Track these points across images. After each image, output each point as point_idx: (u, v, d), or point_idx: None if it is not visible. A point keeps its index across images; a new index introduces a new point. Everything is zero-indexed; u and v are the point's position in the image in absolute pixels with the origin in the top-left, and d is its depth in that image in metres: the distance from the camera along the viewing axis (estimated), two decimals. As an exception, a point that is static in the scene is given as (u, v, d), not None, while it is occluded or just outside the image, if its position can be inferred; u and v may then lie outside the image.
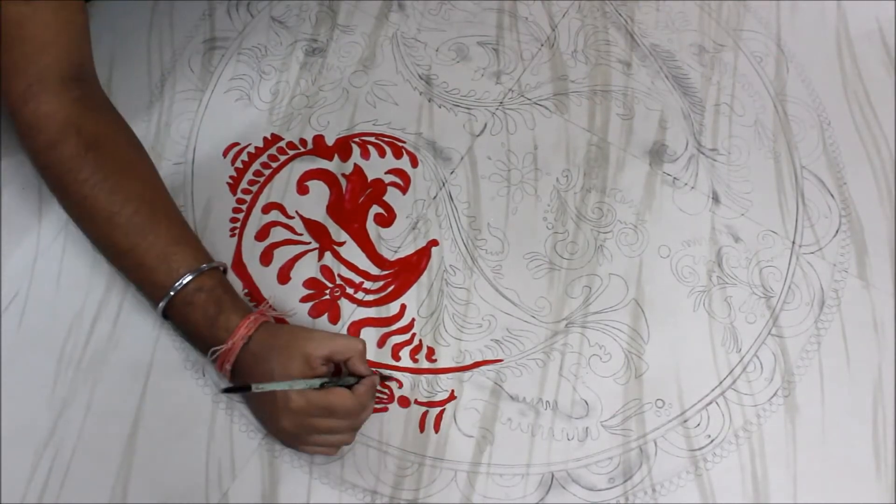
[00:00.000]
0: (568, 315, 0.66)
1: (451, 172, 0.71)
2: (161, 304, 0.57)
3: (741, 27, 0.83)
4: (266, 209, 0.67)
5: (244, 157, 0.69)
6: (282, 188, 0.68)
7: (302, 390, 0.53)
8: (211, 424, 0.59)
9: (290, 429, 0.55)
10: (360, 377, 0.56)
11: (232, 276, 0.64)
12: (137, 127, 0.69)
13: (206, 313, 0.56)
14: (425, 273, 0.66)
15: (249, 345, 0.55)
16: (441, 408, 0.61)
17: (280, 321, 0.60)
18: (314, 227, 0.67)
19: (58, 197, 0.60)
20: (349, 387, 0.55)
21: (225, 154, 0.70)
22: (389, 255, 0.67)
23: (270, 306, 0.61)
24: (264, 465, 0.58)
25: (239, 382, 0.55)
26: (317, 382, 0.54)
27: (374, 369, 0.59)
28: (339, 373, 0.57)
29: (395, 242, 0.67)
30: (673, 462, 0.61)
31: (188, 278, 0.56)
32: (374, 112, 0.73)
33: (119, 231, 0.57)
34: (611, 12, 0.82)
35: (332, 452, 0.57)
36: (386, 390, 0.61)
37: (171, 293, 0.56)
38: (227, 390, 0.54)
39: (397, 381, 0.62)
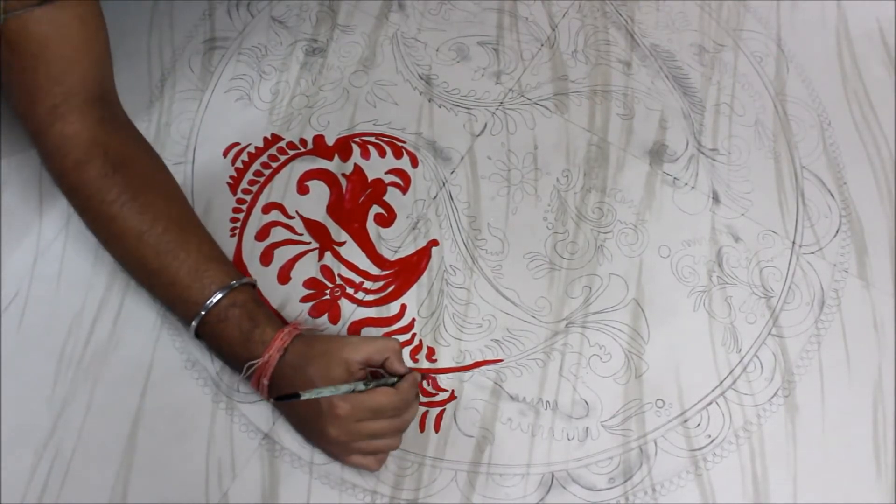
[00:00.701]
0: (568, 315, 0.66)
1: (452, 172, 0.71)
2: (194, 322, 0.56)
3: (741, 27, 0.83)
4: (266, 209, 0.67)
5: (244, 157, 0.69)
6: (282, 188, 0.68)
7: (346, 396, 0.53)
8: (211, 424, 0.59)
9: (338, 436, 0.54)
10: (400, 376, 0.56)
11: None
12: (138, 127, 0.70)
13: (240, 328, 0.56)
14: (425, 273, 0.66)
15: (286, 357, 0.55)
16: (441, 408, 0.61)
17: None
18: (314, 227, 0.67)
19: (86, 219, 0.59)
20: (392, 385, 0.56)
21: (225, 154, 0.70)
22: (389, 255, 0.67)
23: (303, 320, 0.62)
24: (264, 465, 0.58)
25: (287, 391, 0.53)
26: (361, 385, 0.54)
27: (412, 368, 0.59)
28: (378, 376, 0.57)
29: (395, 242, 0.67)
30: (673, 462, 0.61)
31: (221, 294, 0.56)
32: (374, 112, 0.73)
33: (150, 250, 0.57)
34: (611, 12, 0.82)
35: (377, 465, 0.57)
36: (430, 387, 0.61)
37: (205, 309, 0.56)
38: (278, 398, 0.53)
39: (432, 379, 0.62)
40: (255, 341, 0.55)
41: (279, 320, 0.58)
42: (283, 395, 0.52)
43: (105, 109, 0.58)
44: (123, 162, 0.57)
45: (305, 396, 0.51)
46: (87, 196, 0.57)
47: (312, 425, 0.56)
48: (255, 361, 0.55)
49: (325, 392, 0.52)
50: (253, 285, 0.60)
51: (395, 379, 0.57)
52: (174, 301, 0.58)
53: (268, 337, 0.55)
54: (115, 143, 0.58)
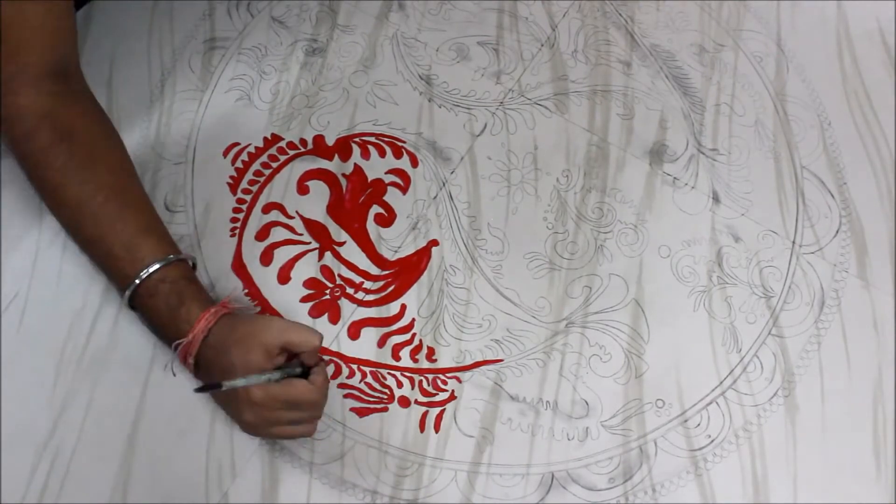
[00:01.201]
0: (568, 315, 0.66)
1: (452, 172, 0.71)
2: (126, 294, 0.57)
3: (741, 27, 0.83)
4: (266, 209, 0.67)
5: (244, 157, 0.69)
6: (282, 188, 0.68)
7: (262, 386, 0.53)
8: (211, 424, 0.59)
9: (253, 421, 0.55)
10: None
11: (231, 276, 0.64)
12: (138, 127, 0.70)
13: (168, 304, 0.56)
14: (425, 273, 0.66)
15: (209, 338, 0.56)
16: (441, 408, 0.61)
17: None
18: (314, 227, 0.67)
19: (34, 186, 0.61)
20: (305, 375, 0.55)
21: (225, 154, 0.70)
22: (389, 255, 0.67)
23: (234, 298, 0.62)
24: (264, 465, 0.58)
25: (207, 382, 0.54)
26: (276, 375, 0.54)
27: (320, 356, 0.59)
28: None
29: (396, 242, 0.67)
30: (673, 462, 0.61)
31: (153, 268, 0.56)
32: (374, 112, 0.73)
33: (88, 219, 0.58)
34: (611, 12, 0.82)
35: (300, 435, 0.58)
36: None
37: (136, 282, 0.56)
38: (198, 390, 0.53)
39: (334, 362, 0.62)
40: (182, 319, 0.56)
41: (209, 299, 0.58)
42: (202, 387, 0.52)
43: (60, 84, 0.59)
44: (70, 133, 0.58)
45: (226, 386, 0.51)
46: (34, 164, 0.58)
47: (231, 408, 0.57)
48: (181, 340, 0.56)
49: (240, 382, 0.52)
50: (190, 262, 0.60)
51: (304, 370, 0.56)
52: (109, 271, 0.59)
53: (193, 316, 0.56)
54: (65, 115, 0.59)
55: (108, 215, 0.58)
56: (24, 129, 0.58)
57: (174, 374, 0.60)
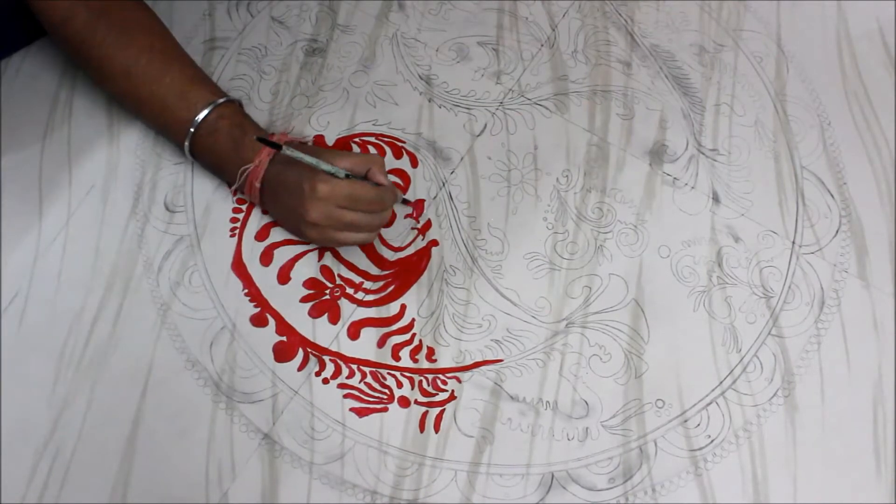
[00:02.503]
0: (568, 315, 0.66)
1: (451, 172, 0.71)
2: (188, 139, 0.62)
3: (741, 27, 0.83)
4: (266, 209, 0.67)
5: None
6: (282, 188, 0.68)
7: (327, 178, 0.58)
8: (211, 424, 0.59)
9: (318, 219, 0.59)
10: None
11: (231, 276, 0.64)
12: (138, 127, 0.70)
13: (231, 136, 0.61)
14: (425, 273, 0.66)
15: (275, 159, 0.61)
16: (441, 408, 0.61)
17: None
18: (314, 227, 0.67)
19: (81, 65, 0.65)
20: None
21: (225, 154, 0.69)
22: (389, 255, 0.67)
23: (289, 130, 0.69)
24: (264, 465, 0.58)
25: (276, 195, 0.61)
26: (342, 172, 0.58)
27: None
28: None
29: (396, 242, 0.67)
30: (673, 462, 0.61)
31: (208, 109, 0.61)
32: (374, 112, 0.73)
33: (138, 81, 0.62)
34: (611, 12, 0.82)
35: (354, 242, 0.62)
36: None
37: (198, 120, 0.61)
38: (260, 139, 0.58)
39: (414, 206, 0.68)
40: (246, 147, 0.61)
41: (266, 131, 0.63)
42: (267, 141, 0.57)
43: None
44: (104, 9, 0.62)
45: (286, 151, 0.56)
46: (77, 45, 0.63)
47: (295, 208, 0.60)
48: (247, 166, 0.61)
49: (307, 159, 0.57)
50: (239, 102, 0.65)
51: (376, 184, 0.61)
52: (166, 125, 0.64)
53: (258, 144, 0.61)
54: None
55: (154, 73, 0.62)
56: (60, 15, 0.62)
57: (236, 199, 0.66)
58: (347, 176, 0.59)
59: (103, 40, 0.62)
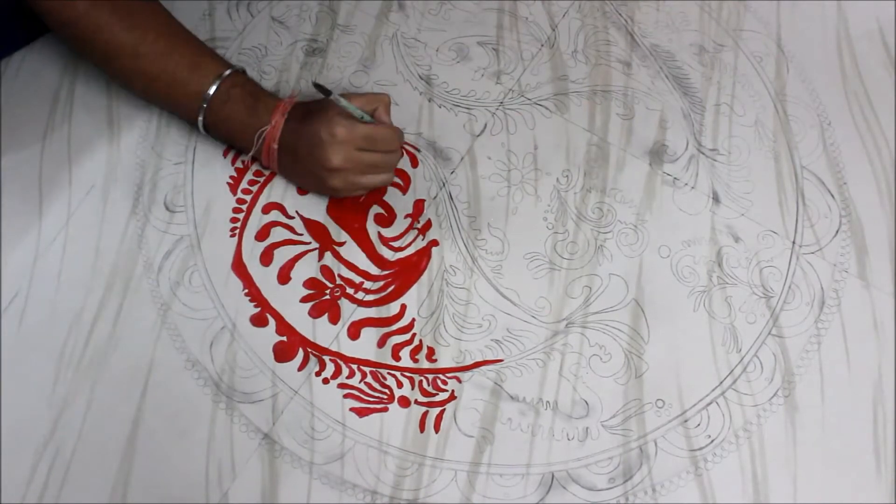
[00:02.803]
0: (568, 315, 0.66)
1: (452, 172, 0.71)
2: (201, 112, 0.64)
3: (741, 27, 0.83)
4: (266, 209, 0.67)
5: (245, 157, 0.69)
6: (282, 188, 0.68)
7: (343, 122, 0.60)
8: (211, 424, 0.59)
9: (341, 164, 0.61)
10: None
11: (231, 276, 0.64)
12: (137, 127, 0.70)
13: (245, 103, 0.63)
14: (425, 273, 0.66)
15: (289, 120, 0.62)
16: (441, 408, 0.61)
17: None
18: (314, 227, 0.67)
19: (86, 50, 0.65)
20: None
21: (225, 154, 0.69)
22: (389, 255, 0.67)
23: (298, 91, 0.71)
24: (264, 465, 0.58)
25: (294, 153, 0.63)
26: (369, 118, 0.62)
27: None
28: None
29: (396, 242, 0.67)
30: (673, 462, 0.61)
31: (219, 80, 0.63)
32: (374, 112, 0.73)
33: (146, 60, 0.63)
34: (611, 12, 0.82)
35: (376, 185, 0.65)
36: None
37: (210, 93, 0.63)
38: (315, 84, 0.61)
39: (411, 151, 0.70)
40: (261, 112, 0.63)
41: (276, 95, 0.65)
42: (317, 84, 0.61)
43: None
44: None
45: (333, 97, 0.60)
46: (81, 28, 0.62)
47: (316, 158, 0.62)
48: (264, 128, 0.62)
49: (344, 103, 0.61)
50: (244, 71, 0.66)
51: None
52: (178, 99, 0.64)
53: (271, 106, 0.63)
54: None
55: (162, 50, 0.63)
56: (62, 1, 0.61)
57: (244, 164, 0.68)
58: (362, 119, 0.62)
59: (107, 21, 0.62)
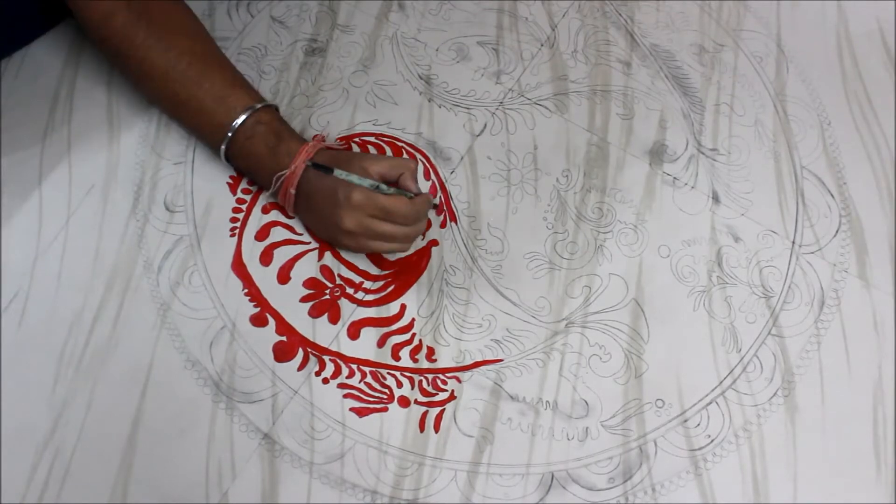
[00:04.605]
0: (568, 315, 0.66)
1: (451, 172, 0.71)
2: (224, 142, 0.63)
3: (741, 27, 0.83)
4: (266, 209, 0.67)
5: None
6: (282, 188, 0.68)
7: (361, 188, 0.59)
8: (211, 424, 0.59)
9: (353, 228, 0.60)
10: (414, 195, 0.62)
11: (231, 276, 0.64)
12: (137, 127, 0.70)
13: (267, 143, 0.62)
14: (425, 273, 0.66)
15: (309, 168, 0.61)
16: (441, 408, 0.61)
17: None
18: (314, 227, 0.67)
19: (119, 65, 0.66)
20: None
21: (225, 154, 0.69)
22: (389, 255, 0.67)
23: (324, 137, 0.66)
24: (264, 465, 0.58)
25: (312, 201, 0.62)
26: (385, 188, 0.60)
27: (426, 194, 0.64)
28: None
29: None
30: (673, 462, 0.61)
31: (246, 114, 0.62)
32: (374, 112, 0.73)
33: (177, 84, 0.63)
34: (611, 12, 0.82)
35: (387, 251, 0.64)
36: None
37: (235, 125, 0.62)
38: (314, 165, 0.59)
39: (442, 209, 0.68)
40: (282, 153, 0.62)
41: (302, 137, 0.64)
42: (319, 165, 0.59)
43: None
44: (146, 10, 0.63)
45: (337, 173, 0.58)
46: (116, 44, 0.63)
47: (330, 214, 0.61)
48: (283, 172, 0.61)
49: (353, 178, 0.59)
50: (276, 108, 0.65)
51: (412, 195, 0.61)
52: (203, 127, 0.64)
53: (293, 149, 0.62)
54: None
55: (194, 76, 0.63)
56: (102, 13, 0.62)
57: (272, 203, 0.67)
58: (388, 190, 0.60)
59: (144, 41, 0.62)
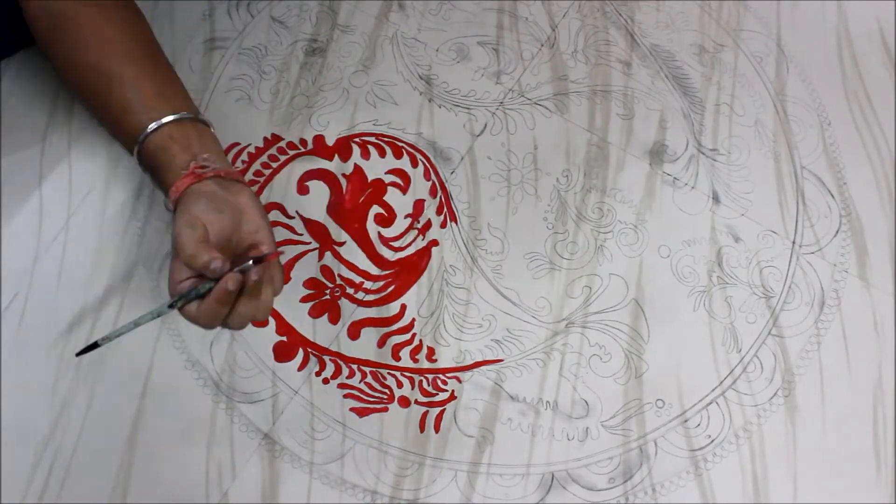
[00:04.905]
0: (568, 315, 0.66)
1: (452, 172, 0.71)
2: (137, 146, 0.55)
3: (741, 27, 0.83)
4: (266, 209, 0.67)
5: (244, 157, 0.69)
6: (282, 188, 0.68)
7: (187, 307, 0.50)
8: (211, 424, 0.59)
9: (205, 324, 0.51)
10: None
11: (232, 276, 0.64)
12: (137, 127, 0.70)
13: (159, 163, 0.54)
14: (425, 273, 0.66)
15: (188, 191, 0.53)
16: (441, 408, 0.61)
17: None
18: (314, 227, 0.67)
19: (48, 46, 0.60)
20: (202, 297, 0.50)
21: (225, 154, 0.69)
22: (389, 255, 0.67)
23: (203, 160, 0.55)
24: (264, 465, 0.58)
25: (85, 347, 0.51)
26: (166, 309, 0.50)
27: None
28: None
29: (396, 242, 0.67)
30: (673, 462, 0.61)
31: (162, 121, 0.55)
32: (374, 112, 0.73)
33: (103, 80, 0.57)
34: (611, 12, 0.82)
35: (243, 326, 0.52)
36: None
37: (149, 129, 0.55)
38: (79, 353, 0.51)
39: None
40: (168, 183, 0.53)
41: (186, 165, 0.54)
42: (83, 350, 0.50)
43: None
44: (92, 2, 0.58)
45: (102, 343, 0.50)
46: (53, 26, 0.58)
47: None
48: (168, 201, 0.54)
49: (124, 330, 0.50)
50: (207, 123, 0.58)
51: (210, 286, 0.50)
52: (118, 129, 0.57)
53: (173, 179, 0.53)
54: None
55: (126, 76, 0.57)
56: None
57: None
58: (172, 306, 0.51)
59: (88, 6, 0.57)
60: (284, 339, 0.63)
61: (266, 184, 0.68)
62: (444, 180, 0.71)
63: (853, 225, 0.72)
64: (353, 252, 0.67)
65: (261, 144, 0.70)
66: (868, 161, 0.76)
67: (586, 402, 0.63)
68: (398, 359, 0.63)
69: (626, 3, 0.83)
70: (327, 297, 0.65)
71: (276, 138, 0.71)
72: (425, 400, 0.62)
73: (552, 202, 0.71)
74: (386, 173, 0.70)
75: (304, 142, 0.71)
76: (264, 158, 0.70)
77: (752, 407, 0.64)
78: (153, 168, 0.56)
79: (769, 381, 0.65)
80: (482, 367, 0.63)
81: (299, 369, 0.62)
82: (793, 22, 0.84)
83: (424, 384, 0.62)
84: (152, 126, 0.55)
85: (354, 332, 0.64)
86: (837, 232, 0.72)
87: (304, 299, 0.64)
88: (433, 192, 0.70)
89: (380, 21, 0.78)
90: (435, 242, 0.68)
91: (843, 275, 0.70)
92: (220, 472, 0.58)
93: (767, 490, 0.61)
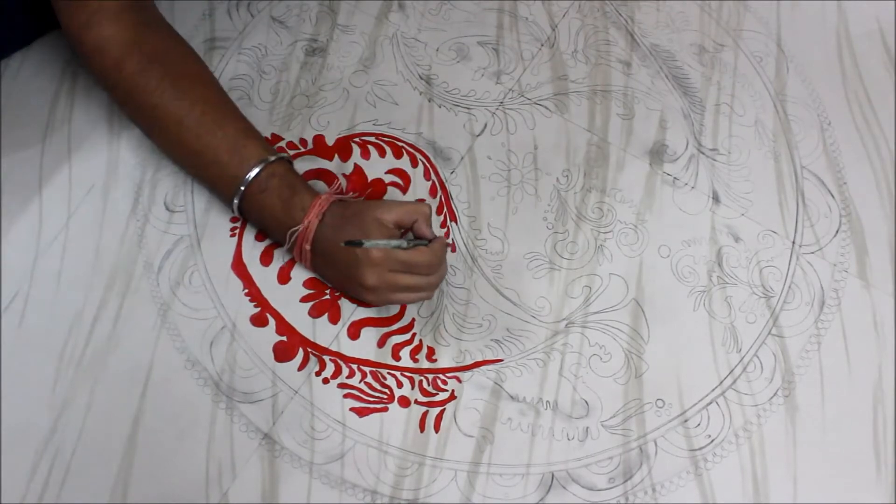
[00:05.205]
0: (568, 315, 0.66)
1: (452, 172, 0.71)
2: (237, 196, 0.61)
3: (741, 27, 0.83)
4: (266, 209, 0.67)
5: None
6: (282, 188, 0.68)
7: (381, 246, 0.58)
8: (211, 424, 0.59)
9: (374, 283, 0.59)
10: (429, 240, 0.60)
11: (232, 276, 0.64)
12: (138, 128, 0.70)
13: (280, 197, 0.60)
14: (425, 273, 0.66)
15: (324, 220, 0.59)
16: (441, 408, 0.61)
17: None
18: (314, 227, 0.67)
19: (129, 111, 0.64)
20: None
21: (225, 154, 0.69)
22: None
23: (339, 188, 0.67)
24: (264, 465, 0.58)
25: (329, 254, 0.60)
26: (404, 243, 0.58)
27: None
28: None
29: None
30: (673, 462, 0.61)
31: (259, 167, 0.60)
32: (374, 112, 0.73)
33: (190, 133, 0.61)
34: (611, 12, 0.82)
35: (412, 301, 0.62)
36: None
37: (248, 179, 0.60)
38: (347, 243, 0.57)
39: (450, 232, 0.68)
40: (296, 208, 0.60)
41: (316, 190, 0.62)
42: (350, 241, 0.57)
43: (139, 14, 0.62)
44: (158, 56, 0.61)
45: (368, 244, 0.57)
46: (127, 90, 0.61)
47: (351, 272, 0.59)
48: (296, 228, 0.60)
49: (381, 243, 0.57)
50: (289, 160, 0.63)
51: (429, 240, 0.60)
52: (216, 179, 0.62)
53: (307, 203, 0.60)
54: (150, 41, 0.62)
55: (208, 125, 0.61)
56: (113, 59, 0.60)
57: (289, 259, 0.65)
58: (409, 244, 0.59)
59: (157, 87, 0.60)
60: (284, 338, 0.63)
61: (266, 184, 0.68)
62: (443, 180, 0.71)
63: (853, 225, 0.72)
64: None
65: (261, 144, 0.70)
66: (868, 161, 0.76)
67: (586, 402, 0.63)
68: (398, 359, 0.63)
69: (626, 3, 0.83)
70: (327, 296, 0.65)
71: (276, 138, 0.71)
72: (425, 400, 0.62)
73: (552, 202, 0.71)
74: (386, 173, 0.70)
75: (304, 141, 0.71)
76: (264, 158, 0.69)
77: (752, 407, 0.64)
78: (261, 198, 0.61)
79: (769, 380, 0.65)
80: (482, 367, 0.63)
81: (299, 369, 0.62)
82: (793, 22, 0.84)
83: (424, 384, 0.62)
84: (258, 168, 0.60)
85: (354, 331, 0.64)
86: (837, 232, 0.72)
87: (304, 299, 0.64)
88: (433, 192, 0.70)
89: (380, 21, 0.78)
90: (435, 242, 0.68)
91: (842, 275, 0.70)
92: (220, 471, 0.58)
93: (767, 490, 0.61)
